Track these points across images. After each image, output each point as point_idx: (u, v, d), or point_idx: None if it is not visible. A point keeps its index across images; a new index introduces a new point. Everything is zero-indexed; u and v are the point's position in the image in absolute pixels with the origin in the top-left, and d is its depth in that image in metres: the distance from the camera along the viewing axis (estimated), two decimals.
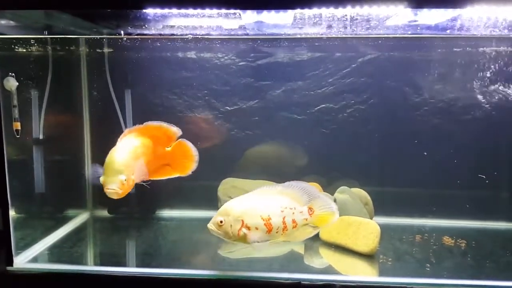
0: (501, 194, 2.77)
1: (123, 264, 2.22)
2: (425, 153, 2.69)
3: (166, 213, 2.94)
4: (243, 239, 1.88)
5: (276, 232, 1.90)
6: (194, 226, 2.79)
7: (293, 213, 1.93)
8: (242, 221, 1.87)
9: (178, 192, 2.89)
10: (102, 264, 2.26)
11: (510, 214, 2.76)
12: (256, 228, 1.87)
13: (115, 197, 1.95)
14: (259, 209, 1.90)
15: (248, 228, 1.86)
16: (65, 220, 2.74)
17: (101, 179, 1.97)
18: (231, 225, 1.88)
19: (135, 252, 2.46)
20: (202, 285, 1.94)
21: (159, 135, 2.19)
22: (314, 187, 2.00)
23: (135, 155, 2.05)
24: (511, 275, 2.09)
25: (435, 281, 1.89)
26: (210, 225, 1.90)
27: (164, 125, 2.19)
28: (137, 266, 2.24)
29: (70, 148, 2.93)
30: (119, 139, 2.15)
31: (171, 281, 1.94)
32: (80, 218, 2.84)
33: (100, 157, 2.89)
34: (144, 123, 2.19)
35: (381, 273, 2.08)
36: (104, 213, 2.90)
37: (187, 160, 2.22)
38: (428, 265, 2.15)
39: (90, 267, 2.17)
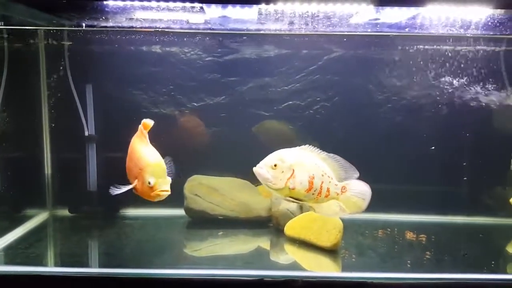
0: (461, 190, 2.87)
1: (82, 265, 2.14)
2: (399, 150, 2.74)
3: (131, 212, 2.86)
4: (286, 190, 1.87)
5: (312, 194, 1.89)
6: (159, 224, 2.74)
7: (330, 182, 1.91)
8: (293, 170, 1.86)
9: None
10: (59, 264, 2.18)
11: (469, 209, 2.85)
12: (300, 183, 1.87)
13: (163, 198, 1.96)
14: (308, 165, 1.89)
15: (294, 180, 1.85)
16: (22, 220, 2.63)
17: (151, 181, 1.92)
18: (282, 171, 1.85)
19: (95, 252, 2.39)
20: (162, 284, 1.90)
21: None
22: (355, 170, 1.96)
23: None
24: (467, 268, 2.17)
25: (394, 275, 1.92)
26: (260, 168, 1.86)
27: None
28: (96, 266, 2.18)
29: (28, 145, 2.81)
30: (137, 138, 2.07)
31: (130, 281, 1.89)
32: (39, 218, 2.73)
33: (60, 154, 2.84)
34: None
35: (343, 268, 2.11)
36: (65, 212, 2.80)
37: None
38: (389, 259, 2.19)
39: (45, 268, 2.08)
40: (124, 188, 2.00)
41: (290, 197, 1.92)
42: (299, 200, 1.93)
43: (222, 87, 2.86)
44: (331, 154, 1.96)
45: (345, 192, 1.94)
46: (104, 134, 2.80)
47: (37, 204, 2.82)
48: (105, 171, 2.81)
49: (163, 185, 1.94)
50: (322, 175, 1.90)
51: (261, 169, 1.87)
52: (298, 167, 1.88)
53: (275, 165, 1.86)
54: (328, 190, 1.91)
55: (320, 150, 1.96)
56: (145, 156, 1.99)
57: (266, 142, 2.85)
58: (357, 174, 1.96)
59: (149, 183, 1.92)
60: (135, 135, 2.09)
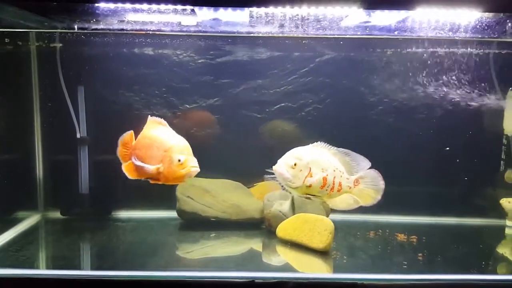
0: (452, 191, 2.89)
1: (73, 267, 2.14)
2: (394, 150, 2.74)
3: (123, 214, 2.86)
4: (303, 188, 1.90)
5: (326, 190, 1.92)
6: (152, 227, 2.74)
7: (341, 176, 1.95)
8: (310, 168, 1.88)
9: (135, 192, 2.82)
10: (50, 267, 2.17)
11: (460, 210, 2.88)
12: (316, 180, 1.90)
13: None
14: (323, 162, 1.92)
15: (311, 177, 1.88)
16: (13, 222, 2.61)
17: (181, 158, 1.96)
18: (301, 170, 1.88)
19: (86, 255, 2.38)
20: (154, 286, 1.90)
21: None
22: (366, 161, 2.01)
23: None
24: (458, 269, 2.19)
25: (385, 277, 1.93)
26: (280, 167, 1.88)
27: None
28: (88, 269, 2.17)
29: (19, 147, 2.80)
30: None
31: (122, 283, 1.89)
32: (30, 220, 2.72)
33: (51, 156, 2.82)
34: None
35: (335, 269, 2.12)
36: (57, 214, 2.79)
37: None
38: (379, 260, 2.20)
39: (36, 271, 2.06)
40: (148, 165, 2.01)
41: (306, 194, 1.96)
42: (313, 196, 1.98)
43: (215, 89, 2.86)
44: (341, 149, 2.02)
45: (358, 185, 1.99)
46: (96, 136, 2.80)
47: (28, 206, 2.81)
48: (97, 173, 2.81)
49: (193, 162, 1.98)
50: (334, 171, 1.95)
51: (281, 168, 1.90)
52: (314, 165, 1.92)
53: (294, 164, 1.90)
54: (340, 184, 1.96)
55: (331, 146, 2.01)
56: (170, 138, 2.04)
57: (273, 142, 2.86)
58: (369, 165, 2.01)
59: (179, 160, 1.95)
60: (145, 126, 2.12)
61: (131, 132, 2.14)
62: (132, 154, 2.11)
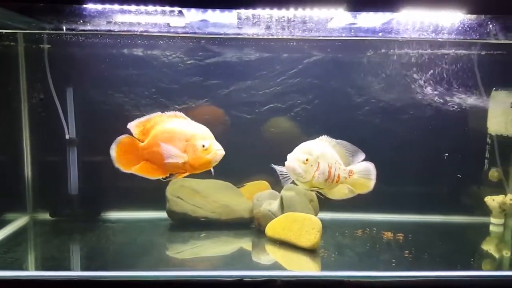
0: (438, 190, 2.94)
1: (62, 269, 2.13)
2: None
3: (113, 215, 2.85)
4: (311, 182, 1.95)
5: (329, 182, 1.99)
6: (142, 227, 2.74)
7: (339, 167, 2.01)
8: (319, 163, 1.92)
9: (125, 193, 2.82)
10: (39, 269, 2.17)
11: (446, 208, 2.92)
12: (323, 173, 1.96)
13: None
14: (328, 156, 1.98)
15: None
16: (1, 224, 2.60)
17: (206, 143, 1.99)
18: (311, 165, 1.93)
19: (76, 256, 2.38)
20: (143, 286, 1.90)
21: None
22: (361, 152, 2.08)
23: None
24: (443, 266, 2.22)
25: (371, 274, 1.96)
26: (292, 163, 1.91)
27: None
28: (78, 270, 2.16)
29: (8, 148, 2.79)
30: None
31: (111, 284, 1.89)
32: (19, 222, 2.70)
33: (40, 157, 2.81)
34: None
35: (322, 267, 2.14)
36: (46, 216, 2.78)
37: None
38: (366, 258, 2.24)
39: (24, 272, 2.06)
40: (178, 152, 2.00)
41: (313, 187, 2.02)
42: (319, 189, 2.04)
43: (205, 90, 2.88)
44: (339, 140, 2.08)
45: (352, 175, 2.06)
46: (85, 137, 2.79)
47: (17, 207, 2.79)
48: (86, 174, 2.80)
49: (217, 145, 2.01)
50: (335, 163, 2.02)
51: (294, 163, 1.94)
52: (322, 159, 1.98)
53: (306, 160, 1.94)
54: (338, 176, 2.02)
55: (331, 138, 2.07)
56: (190, 126, 2.06)
57: (276, 139, 2.89)
58: (363, 156, 2.09)
59: (203, 146, 1.98)
60: (158, 124, 2.10)
61: (126, 135, 2.09)
62: (144, 154, 2.07)
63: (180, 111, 2.11)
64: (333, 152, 2.04)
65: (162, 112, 2.12)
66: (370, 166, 2.09)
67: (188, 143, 2.01)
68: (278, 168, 2.02)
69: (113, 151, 2.07)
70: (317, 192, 2.09)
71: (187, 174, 2.07)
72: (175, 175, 2.09)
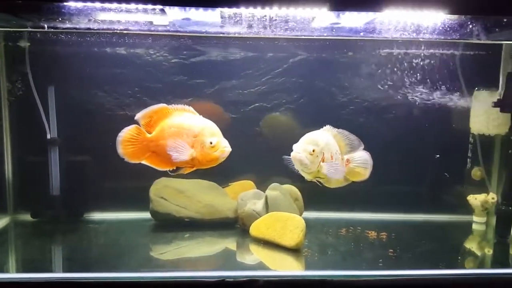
0: (421, 189, 2.96)
1: (43, 270, 2.10)
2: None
3: (95, 216, 2.81)
4: (315, 172, 1.98)
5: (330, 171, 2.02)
6: (125, 228, 2.70)
7: (338, 157, 2.05)
8: (323, 153, 1.95)
9: (108, 194, 2.79)
10: (19, 270, 2.13)
11: (429, 207, 2.95)
12: (326, 163, 1.99)
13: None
14: (332, 146, 2.02)
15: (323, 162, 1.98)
16: None
17: (213, 140, 2.00)
18: (317, 156, 1.95)
19: (58, 257, 2.35)
20: (125, 287, 1.89)
21: None
22: (358, 140, 2.12)
23: None
24: (426, 264, 2.25)
25: (355, 273, 1.98)
26: (299, 154, 1.93)
27: None
28: (59, 271, 2.13)
29: None
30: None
31: (93, 285, 1.87)
32: None
33: (21, 158, 2.76)
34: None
35: (306, 267, 2.15)
36: (27, 217, 2.73)
37: None
38: (350, 257, 2.24)
39: (4, 275, 2.01)
40: (185, 153, 2.00)
41: (317, 177, 2.05)
42: (321, 179, 2.08)
43: (189, 89, 2.86)
44: (340, 130, 2.12)
45: (349, 164, 2.09)
46: (67, 137, 2.75)
47: None
48: (68, 174, 2.76)
49: (224, 142, 2.02)
50: (336, 152, 2.05)
51: (301, 155, 1.96)
52: (326, 150, 2.02)
53: (313, 151, 1.96)
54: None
55: (332, 127, 2.10)
56: (198, 122, 2.05)
57: (273, 135, 2.89)
58: (362, 146, 2.14)
59: (211, 143, 1.99)
60: (166, 117, 2.09)
61: (135, 126, 2.08)
62: (153, 146, 2.07)
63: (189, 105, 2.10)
64: (334, 141, 2.08)
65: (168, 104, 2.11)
66: (366, 156, 2.14)
67: (196, 139, 2.02)
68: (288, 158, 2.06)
69: (120, 142, 2.06)
70: (317, 180, 2.11)
71: (194, 168, 2.08)
72: (183, 169, 2.09)
